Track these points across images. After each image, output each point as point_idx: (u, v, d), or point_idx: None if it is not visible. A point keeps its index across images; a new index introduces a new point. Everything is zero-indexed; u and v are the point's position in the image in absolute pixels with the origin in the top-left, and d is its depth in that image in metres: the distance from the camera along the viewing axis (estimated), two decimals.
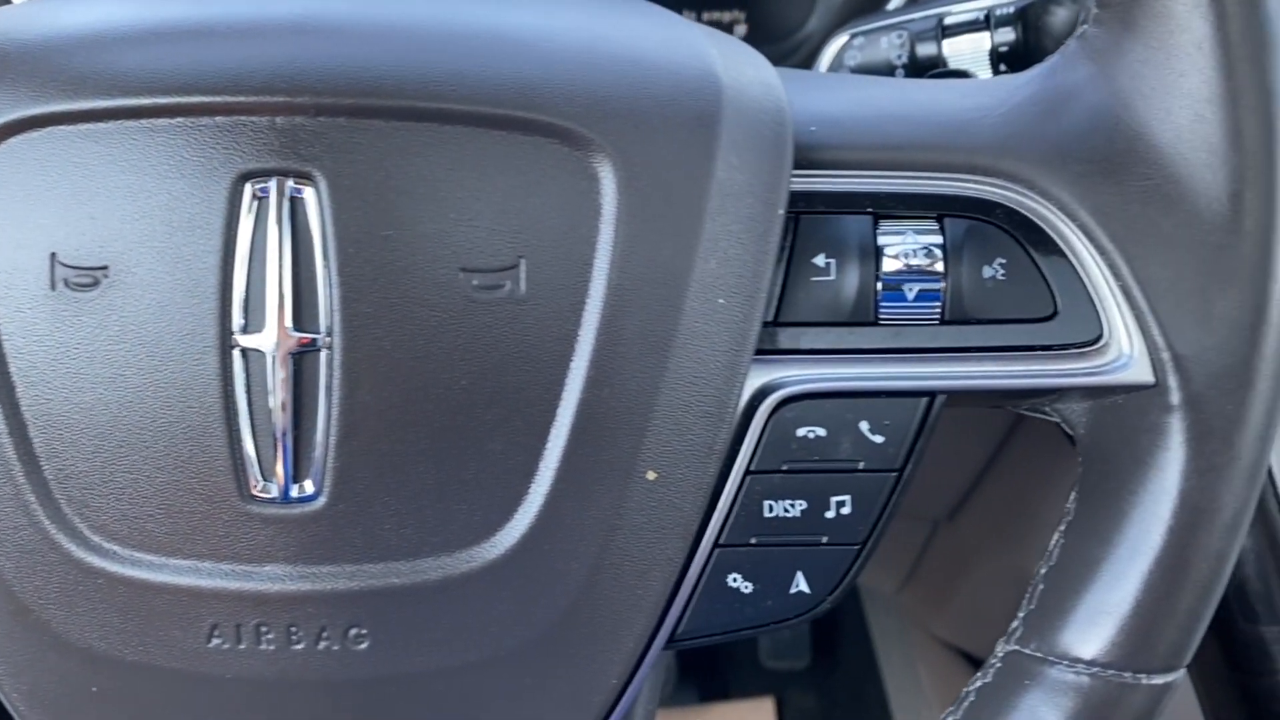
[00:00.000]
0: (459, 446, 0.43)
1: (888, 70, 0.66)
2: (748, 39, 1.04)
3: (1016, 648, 0.48)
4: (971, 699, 0.48)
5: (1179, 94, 0.45)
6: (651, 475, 0.44)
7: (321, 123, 0.41)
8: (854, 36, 0.67)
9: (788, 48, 1.04)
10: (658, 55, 0.45)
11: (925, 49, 0.64)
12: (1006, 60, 0.63)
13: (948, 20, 0.64)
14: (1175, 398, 0.45)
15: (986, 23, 0.63)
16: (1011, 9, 0.63)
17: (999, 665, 0.48)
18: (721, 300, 0.44)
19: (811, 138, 0.46)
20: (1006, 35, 0.63)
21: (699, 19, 1.05)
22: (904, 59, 0.65)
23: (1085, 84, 0.46)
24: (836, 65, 0.68)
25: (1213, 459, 0.45)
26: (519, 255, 0.43)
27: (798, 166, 0.46)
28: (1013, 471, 1.12)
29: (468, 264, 0.42)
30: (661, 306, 0.43)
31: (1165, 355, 0.45)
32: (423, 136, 0.42)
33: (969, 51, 0.64)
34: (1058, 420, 0.49)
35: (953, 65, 0.64)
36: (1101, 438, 0.47)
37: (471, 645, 0.44)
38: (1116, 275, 0.46)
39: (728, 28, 1.06)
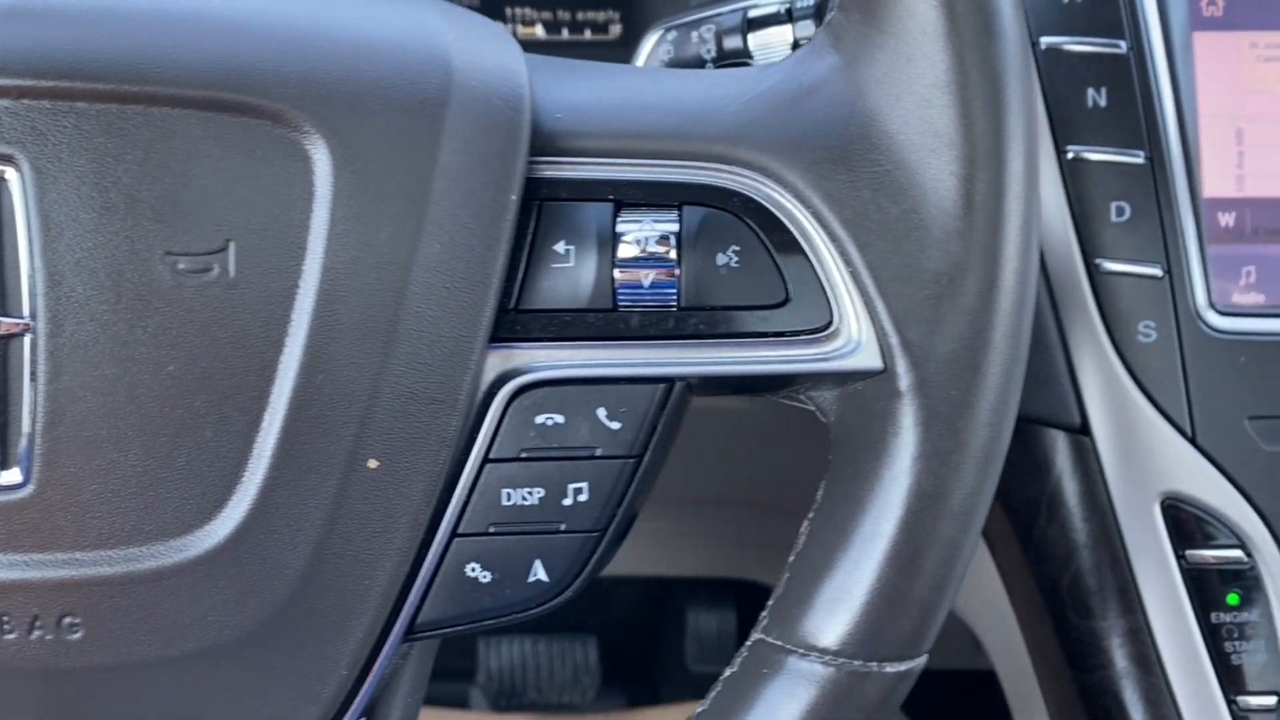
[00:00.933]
0: (169, 433, 0.43)
1: (699, 64, 0.66)
2: (623, 38, 1.05)
3: (762, 636, 0.48)
4: (719, 689, 0.48)
5: (907, 80, 0.45)
6: (373, 464, 0.44)
7: (25, 105, 0.41)
8: (667, 31, 0.67)
9: None
10: (384, 36, 0.45)
11: (731, 42, 0.64)
12: None
13: (751, 14, 0.64)
14: (903, 383, 0.45)
15: (788, 16, 0.63)
16: (811, 3, 0.63)
17: (746, 655, 0.48)
18: (447, 286, 0.44)
19: (557, 124, 0.46)
20: (807, 29, 0.63)
21: (573, 18, 1.05)
22: (712, 53, 0.65)
23: (827, 71, 0.47)
24: (652, 60, 0.68)
25: (938, 444, 0.45)
26: (227, 238, 0.42)
27: (542, 153, 0.46)
28: None
29: (173, 247, 0.42)
30: (380, 291, 0.43)
31: (893, 341, 0.45)
32: (128, 120, 0.42)
33: (774, 45, 0.64)
34: (813, 409, 0.49)
35: (758, 58, 0.64)
36: (845, 425, 0.47)
37: (189, 635, 0.44)
38: (847, 261, 0.46)
39: (602, 27, 1.06)
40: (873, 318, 0.45)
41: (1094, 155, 0.70)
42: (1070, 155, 0.69)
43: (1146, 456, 0.70)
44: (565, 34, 1.04)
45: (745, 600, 1.61)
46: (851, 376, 0.46)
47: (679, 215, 0.46)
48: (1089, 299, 0.69)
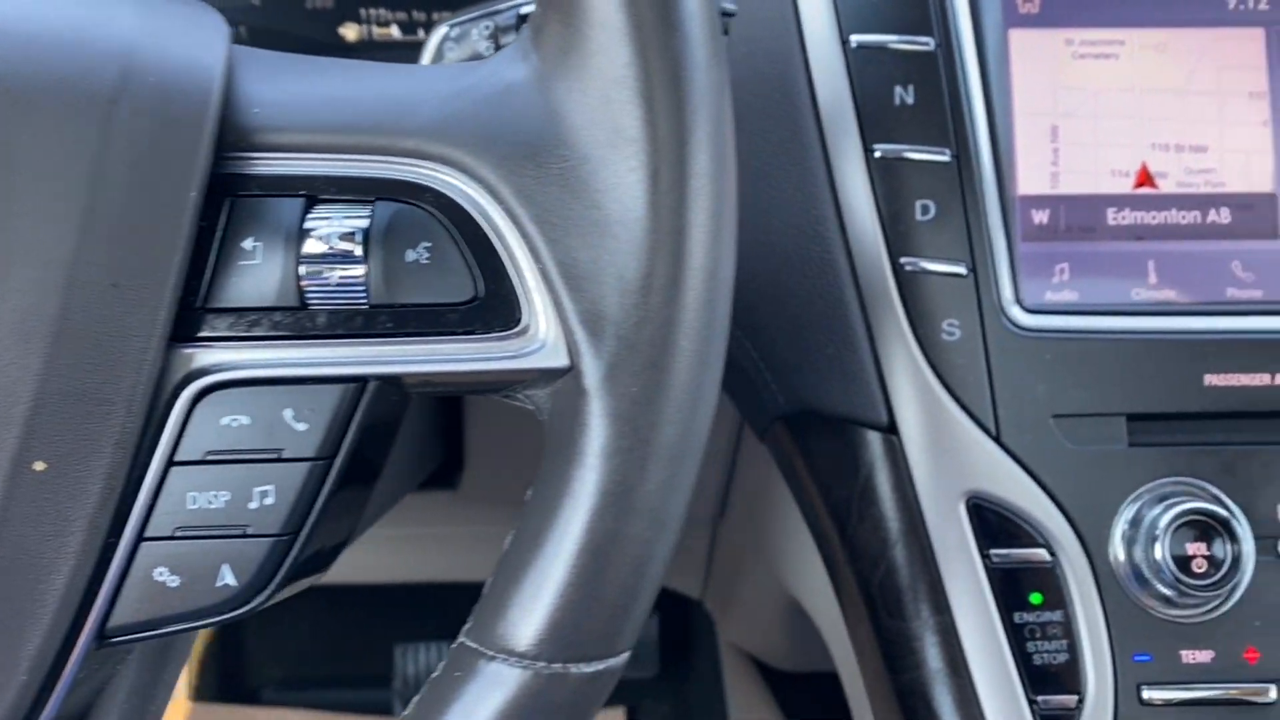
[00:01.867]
0: None
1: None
2: None
3: (464, 640, 0.47)
4: (423, 692, 0.47)
5: (590, 75, 0.44)
6: (40, 466, 0.43)
7: None
8: (451, 29, 0.66)
9: None
10: (58, 30, 0.44)
11: (507, 39, 0.64)
12: None
13: (524, 10, 0.63)
14: (588, 381, 0.45)
15: None
16: None
17: (448, 659, 0.47)
18: (116, 284, 0.43)
19: (253, 119, 0.46)
20: None
21: (429, 19, 1.04)
22: (491, 50, 0.65)
23: (525, 67, 0.46)
24: (438, 57, 0.67)
25: (620, 442, 0.44)
26: None
27: (235, 148, 0.45)
28: (758, 467, 1.11)
29: None
30: (43, 290, 0.42)
31: (579, 338, 0.45)
32: None
33: None
34: (533, 408, 0.49)
35: None
36: (551, 424, 0.47)
37: None
38: (537, 258, 0.45)
39: None
40: (560, 315, 0.45)
41: (900, 153, 0.69)
42: (877, 154, 0.69)
43: (952, 455, 0.69)
44: (421, 35, 1.04)
45: (664, 606, 1.60)
46: (547, 375, 0.46)
47: (371, 211, 0.46)
48: (895, 298, 0.69)
